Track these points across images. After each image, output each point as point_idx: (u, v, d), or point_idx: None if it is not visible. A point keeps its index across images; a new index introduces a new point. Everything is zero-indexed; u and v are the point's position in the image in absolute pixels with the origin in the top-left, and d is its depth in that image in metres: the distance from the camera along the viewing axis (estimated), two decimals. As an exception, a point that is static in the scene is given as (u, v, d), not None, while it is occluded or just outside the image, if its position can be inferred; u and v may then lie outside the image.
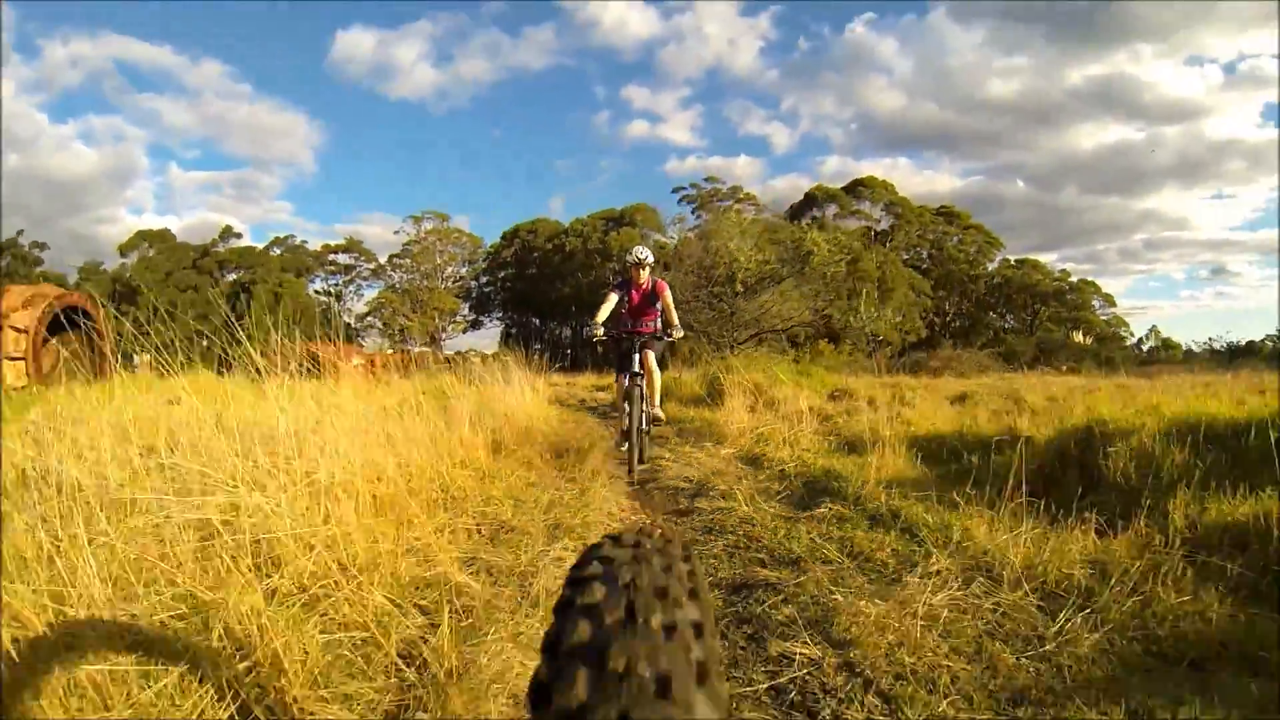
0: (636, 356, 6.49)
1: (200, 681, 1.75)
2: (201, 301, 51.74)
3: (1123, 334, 54.71)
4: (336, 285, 58.80)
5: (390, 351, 20.79)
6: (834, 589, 2.76)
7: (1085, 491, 3.92)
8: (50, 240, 55.65)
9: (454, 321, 54.94)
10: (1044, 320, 52.58)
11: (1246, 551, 2.91)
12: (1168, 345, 57.17)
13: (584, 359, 34.19)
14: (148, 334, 3.23)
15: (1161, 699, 1.92)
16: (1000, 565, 2.95)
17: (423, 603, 2.55)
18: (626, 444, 6.39)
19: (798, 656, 2.23)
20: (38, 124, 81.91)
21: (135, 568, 2.07)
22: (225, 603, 1.97)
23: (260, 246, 57.81)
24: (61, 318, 10.04)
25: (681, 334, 6.82)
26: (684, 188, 56.49)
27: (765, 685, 2.10)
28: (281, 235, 59.86)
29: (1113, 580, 2.72)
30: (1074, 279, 54.78)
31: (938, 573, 2.85)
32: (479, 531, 3.58)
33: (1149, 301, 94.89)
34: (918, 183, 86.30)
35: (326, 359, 12.62)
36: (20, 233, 52.80)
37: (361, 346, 23.73)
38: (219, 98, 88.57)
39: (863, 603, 2.54)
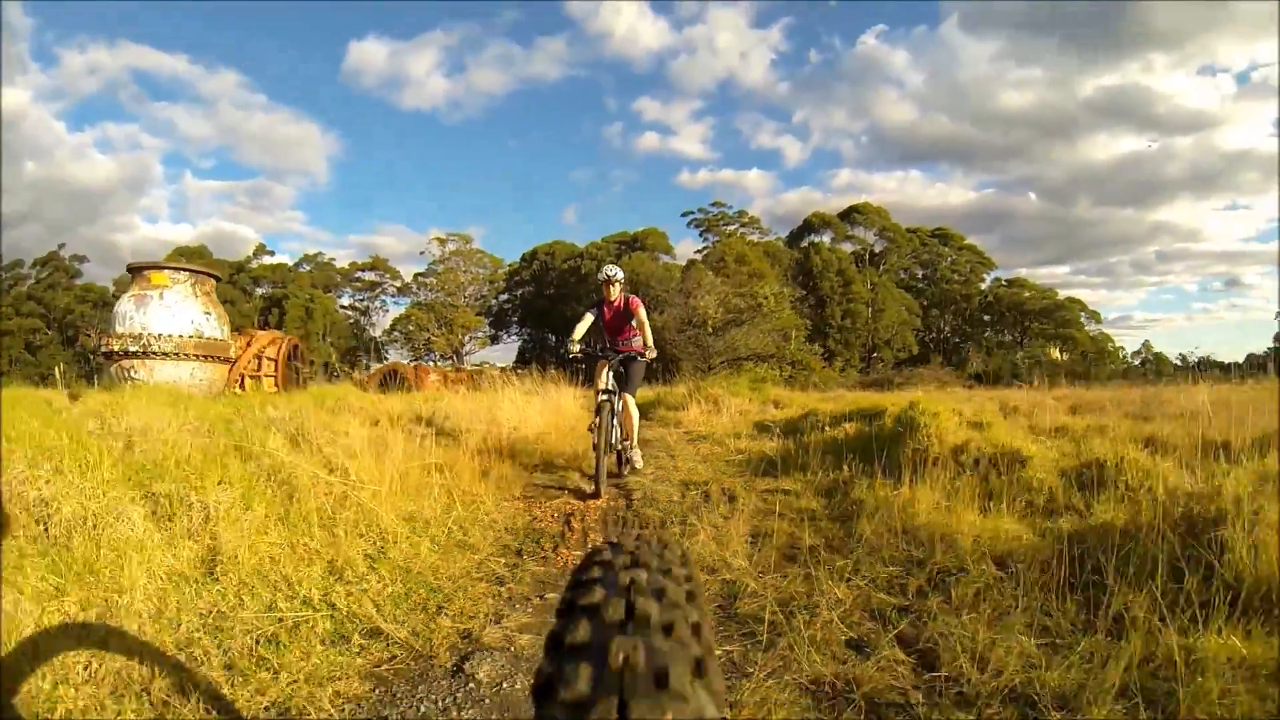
0: (608, 373, 7.16)
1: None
2: (237, 315, 57.95)
3: (1110, 349, 59.93)
4: (363, 301, 65.82)
5: (453, 369, 27.37)
6: (679, 452, 9.38)
7: (799, 431, 10.46)
8: (69, 248, 61.80)
9: (475, 337, 60.46)
10: (1035, 337, 57.97)
11: (830, 449, 9.44)
12: (1159, 360, 62.03)
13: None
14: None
15: (760, 497, 8.48)
16: (734, 448, 9.58)
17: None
18: (595, 461, 6.86)
19: (662, 461, 8.77)
20: (55, 132, 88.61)
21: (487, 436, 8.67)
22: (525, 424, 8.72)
23: (291, 263, 64.96)
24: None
25: (654, 354, 7.46)
26: (692, 211, 62.67)
27: (650, 468, 8.56)
28: (311, 253, 67.05)
29: (772, 454, 9.31)
30: (1061, 296, 60.25)
31: (710, 449, 9.53)
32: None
33: (1162, 315, 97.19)
34: (930, 195, 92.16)
35: (408, 375, 20.50)
36: (62, 245, 59.81)
37: (431, 365, 30.28)
38: (234, 107, 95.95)
39: (687, 450, 9.25)
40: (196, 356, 11.63)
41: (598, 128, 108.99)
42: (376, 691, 2.65)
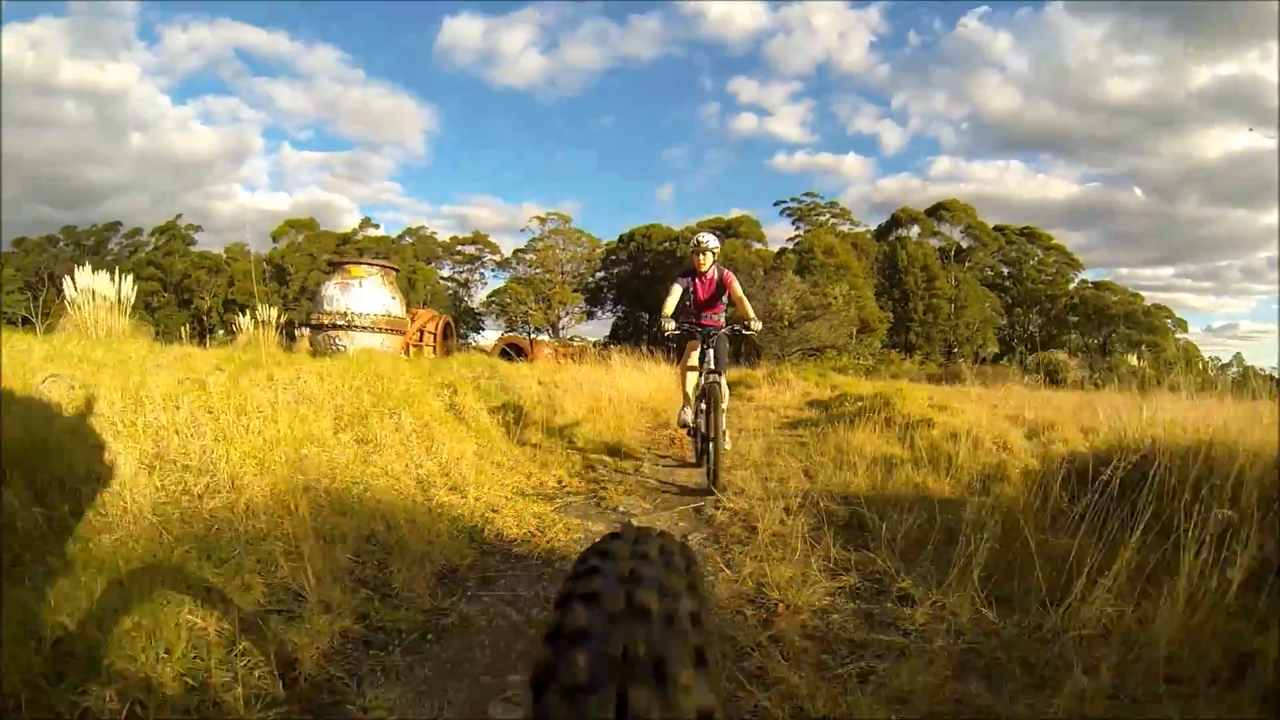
0: (712, 352, 6.85)
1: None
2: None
3: (1194, 360, 61.19)
4: (463, 273, 71.47)
5: (563, 344, 32.18)
6: (746, 415, 13.96)
7: (830, 405, 14.92)
8: (170, 213, 68.47)
9: (571, 313, 65.93)
10: (1120, 341, 59.32)
11: (841, 414, 13.90)
12: (1250, 374, 62.45)
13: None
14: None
15: (782, 436, 13.01)
16: (782, 410, 14.16)
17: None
18: (700, 446, 7.21)
19: (732, 420, 13.28)
20: (160, 106, 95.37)
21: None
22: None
23: (394, 236, 71.34)
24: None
25: (760, 326, 7.13)
26: (785, 200, 67.08)
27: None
28: (413, 226, 73.44)
29: (811, 420, 13.85)
30: (1148, 303, 61.96)
31: (768, 414, 14.11)
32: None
33: (1271, 326, 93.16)
34: (1030, 187, 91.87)
35: (525, 347, 26.13)
36: (179, 216, 67.21)
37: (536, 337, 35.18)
38: (332, 81, 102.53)
39: (753, 414, 13.86)
40: (386, 330, 15.83)
41: (693, 108, 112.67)
42: (574, 483, 7.30)
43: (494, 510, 5.24)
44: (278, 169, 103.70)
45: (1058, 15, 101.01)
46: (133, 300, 12.20)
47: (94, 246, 62.47)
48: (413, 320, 19.77)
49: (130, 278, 12.17)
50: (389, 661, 3.05)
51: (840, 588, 3.96)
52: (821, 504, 5.52)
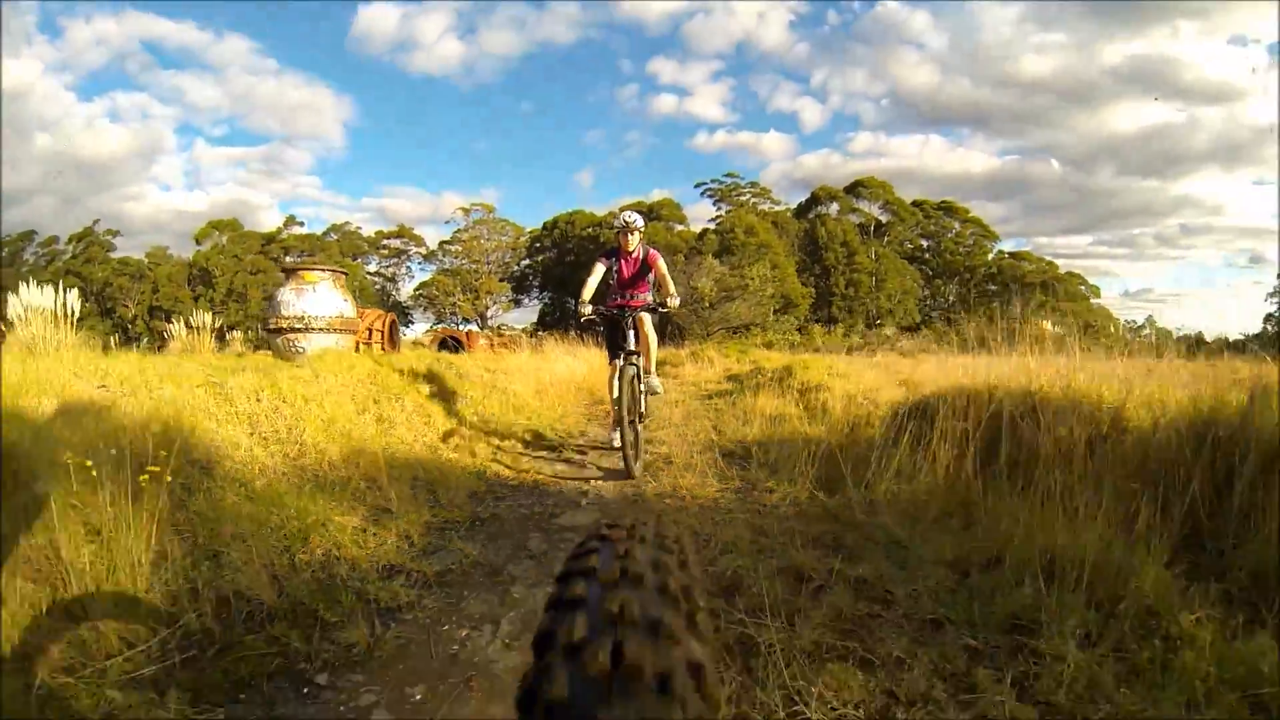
0: (631, 333, 7.02)
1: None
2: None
3: (1107, 324, 64.67)
4: (389, 267, 72.54)
5: (497, 333, 34.17)
6: (670, 390, 16.24)
7: (751, 377, 17.33)
8: (81, 220, 67.40)
9: (498, 301, 67.49)
10: (1037, 308, 62.97)
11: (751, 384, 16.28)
12: (1164, 335, 66.21)
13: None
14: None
15: (700, 404, 15.37)
16: (703, 384, 16.54)
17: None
18: (619, 435, 6.89)
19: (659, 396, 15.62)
20: (65, 103, 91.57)
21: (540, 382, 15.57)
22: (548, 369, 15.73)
23: (319, 233, 71.75)
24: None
25: (678, 302, 7.35)
26: (706, 181, 69.36)
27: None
28: (338, 222, 73.82)
29: (727, 391, 16.23)
30: (1061, 270, 65.96)
31: (690, 388, 16.48)
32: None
33: (1183, 289, 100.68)
34: (952, 161, 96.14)
35: (461, 338, 28.64)
36: (96, 221, 65.87)
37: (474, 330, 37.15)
38: (244, 73, 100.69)
39: (676, 389, 16.18)
40: (341, 330, 17.50)
41: (612, 90, 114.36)
42: (539, 443, 9.60)
43: (488, 462, 7.54)
44: (193, 166, 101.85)
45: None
46: (77, 313, 13.00)
47: (8, 258, 60.62)
48: (361, 319, 21.68)
49: (75, 291, 12.93)
50: (460, 533, 5.32)
51: (726, 488, 6.33)
52: (722, 445, 7.88)
